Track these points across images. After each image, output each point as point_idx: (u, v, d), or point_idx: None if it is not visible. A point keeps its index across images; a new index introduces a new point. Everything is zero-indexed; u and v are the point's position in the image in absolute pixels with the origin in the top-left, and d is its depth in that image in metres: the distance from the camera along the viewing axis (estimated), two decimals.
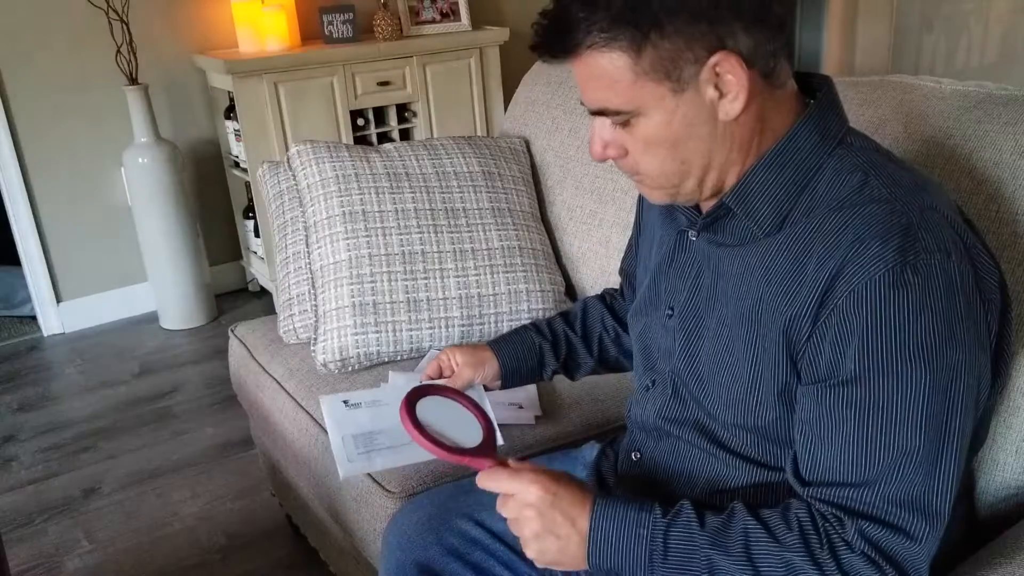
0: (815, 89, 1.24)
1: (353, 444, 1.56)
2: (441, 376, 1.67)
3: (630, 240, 1.71)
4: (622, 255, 1.76)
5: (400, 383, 2.05)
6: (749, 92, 1.13)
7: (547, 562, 1.24)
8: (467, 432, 1.37)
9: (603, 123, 1.22)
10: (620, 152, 1.23)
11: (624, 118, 1.18)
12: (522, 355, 1.71)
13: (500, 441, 1.42)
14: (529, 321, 1.86)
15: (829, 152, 1.19)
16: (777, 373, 1.18)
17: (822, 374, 1.12)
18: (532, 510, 1.22)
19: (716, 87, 1.13)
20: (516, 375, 1.71)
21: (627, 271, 1.73)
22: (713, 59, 1.11)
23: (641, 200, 1.60)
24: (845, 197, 1.14)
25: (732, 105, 1.14)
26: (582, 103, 1.22)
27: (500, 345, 1.72)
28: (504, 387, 1.71)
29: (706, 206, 1.29)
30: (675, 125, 1.17)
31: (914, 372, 1.07)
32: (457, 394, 1.45)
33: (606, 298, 1.80)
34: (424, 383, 1.54)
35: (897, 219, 1.09)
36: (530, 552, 1.24)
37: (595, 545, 1.20)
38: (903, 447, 1.08)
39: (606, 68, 1.15)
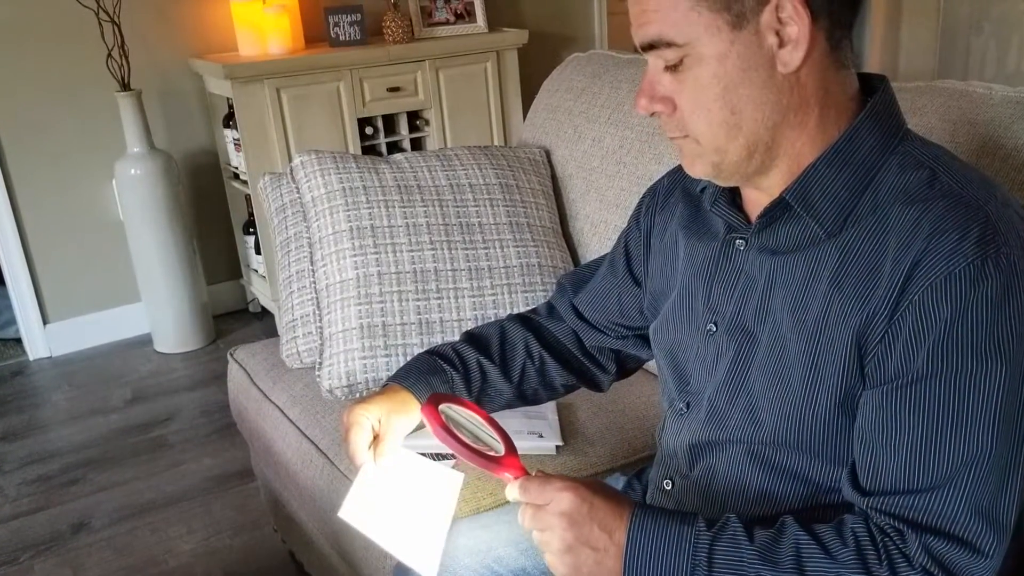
0: (872, 89, 1.26)
1: (365, 495, 1.51)
2: (375, 439, 1.50)
3: (612, 254, 1.69)
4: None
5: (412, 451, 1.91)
6: (810, 47, 1.16)
7: None
8: (488, 443, 1.38)
9: (656, 66, 1.24)
10: (668, 107, 1.25)
11: (677, 54, 1.20)
12: (436, 388, 1.59)
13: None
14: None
15: (892, 149, 1.21)
16: (843, 381, 1.19)
17: (890, 374, 1.14)
18: (565, 520, 1.21)
19: (777, 34, 1.16)
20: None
21: (580, 283, 1.72)
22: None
23: (642, 213, 1.61)
24: (915, 192, 1.16)
25: (792, 55, 1.17)
26: (635, 50, 1.25)
27: (410, 380, 1.59)
28: (416, 430, 1.55)
29: (756, 207, 1.31)
30: (729, 64, 1.18)
31: (991, 369, 1.08)
32: (474, 408, 1.46)
33: (532, 320, 1.75)
34: (438, 392, 1.53)
35: (973, 212, 1.11)
36: (561, 568, 1.22)
37: (633, 558, 1.20)
38: (975, 449, 1.09)
39: None
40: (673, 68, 1.21)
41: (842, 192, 1.21)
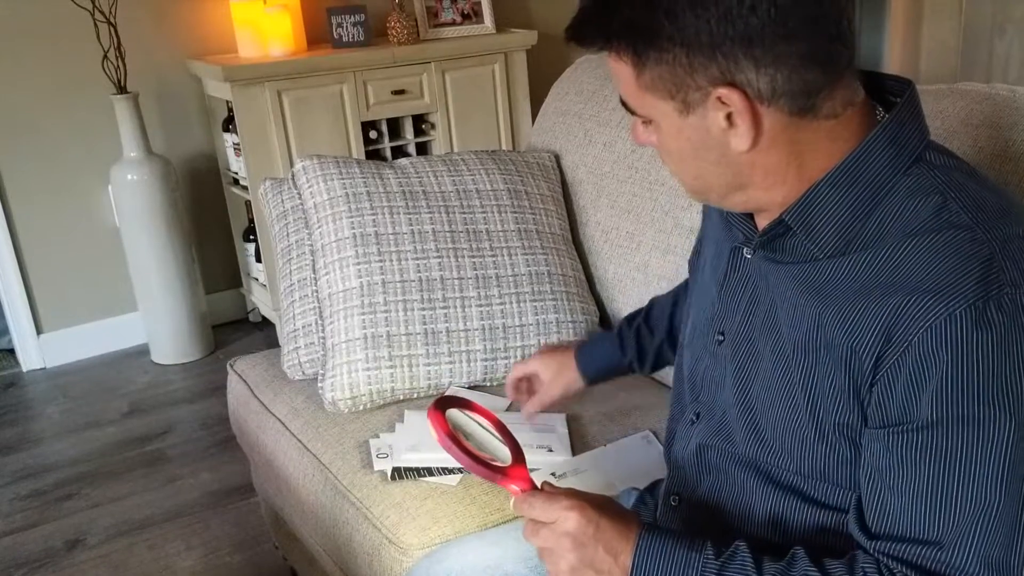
0: (890, 92, 1.25)
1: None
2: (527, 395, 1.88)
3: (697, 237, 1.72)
4: (661, 281, 1.76)
5: (417, 422, 2.06)
6: (764, 130, 1.16)
7: None
8: (495, 452, 1.38)
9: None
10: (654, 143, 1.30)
11: (642, 119, 1.26)
12: (603, 350, 1.87)
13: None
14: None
15: (904, 170, 1.18)
16: (838, 406, 1.19)
17: (893, 418, 1.13)
18: (569, 540, 1.22)
19: (727, 117, 1.16)
20: (597, 372, 1.87)
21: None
22: (717, 92, 1.14)
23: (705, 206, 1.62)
24: (921, 222, 1.14)
25: (742, 139, 1.17)
26: None
27: (582, 349, 1.88)
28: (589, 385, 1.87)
29: (762, 221, 1.31)
30: (683, 143, 1.22)
31: (997, 419, 1.07)
32: (485, 412, 1.47)
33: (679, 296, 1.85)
34: (451, 395, 1.56)
35: (978, 248, 1.09)
36: None
37: None
38: (983, 501, 1.08)
39: (619, 72, 1.22)
40: (646, 123, 1.26)
41: (844, 214, 1.19)
